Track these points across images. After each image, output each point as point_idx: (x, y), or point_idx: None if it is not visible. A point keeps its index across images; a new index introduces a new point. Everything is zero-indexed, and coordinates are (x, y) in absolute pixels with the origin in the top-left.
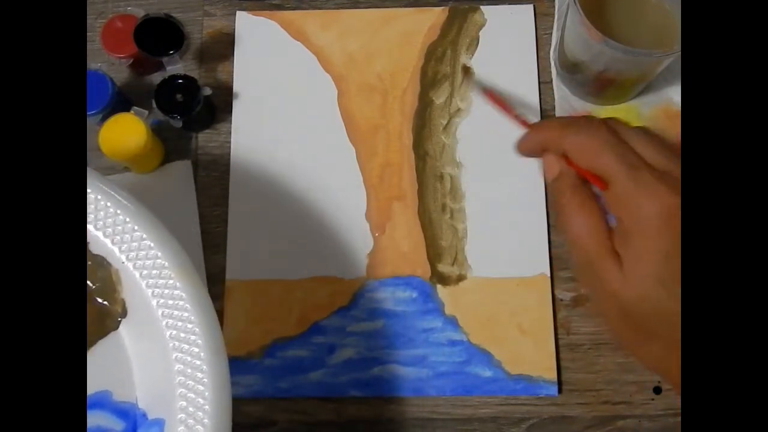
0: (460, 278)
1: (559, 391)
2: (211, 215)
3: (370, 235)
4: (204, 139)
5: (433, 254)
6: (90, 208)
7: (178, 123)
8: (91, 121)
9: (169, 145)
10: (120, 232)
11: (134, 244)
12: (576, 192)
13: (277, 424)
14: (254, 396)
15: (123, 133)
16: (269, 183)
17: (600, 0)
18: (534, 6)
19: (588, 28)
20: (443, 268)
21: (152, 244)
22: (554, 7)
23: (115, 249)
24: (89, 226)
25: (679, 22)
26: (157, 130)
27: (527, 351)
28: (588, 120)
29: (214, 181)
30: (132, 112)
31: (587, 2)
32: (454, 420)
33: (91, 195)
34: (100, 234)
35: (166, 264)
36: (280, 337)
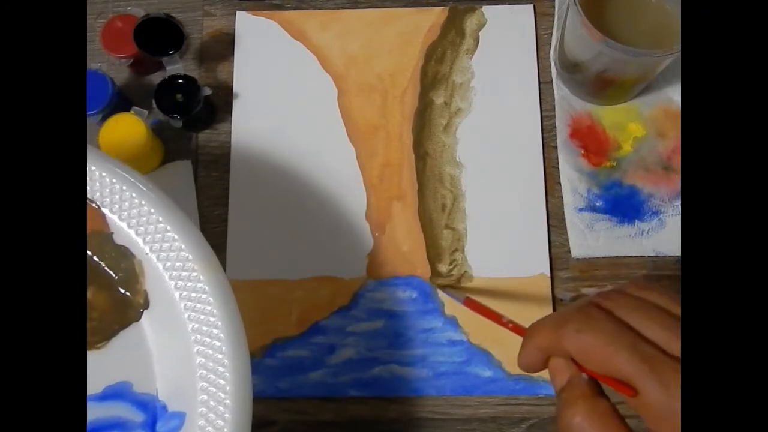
0: (461, 278)
1: None
2: (211, 215)
3: (370, 235)
4: (204, 139)
5: (433, 254)
6: (114, 198)
7: (178, 123)
8: (91, 121)
9: (169, 145)
10: (144, 223)
11: (158, 235)
12: (594, 406)
13: (277, 424)
14: (254, 396)
15: (123, 133)
16: (269, 183)
17: (600, 0)
18: (534, 6)
19: (588, 28)
20: (443, 268)
21: (176, 236)
22: (554, 7)
23: (139, 240)
24: (113, 217)
25: (679, 22)
26: (157, 130)
27: None
28: (580, 310)
29: (214, 181)
30: (132, 112)
31: (587, 2)
32: (454, 420)
33: (116, 185)
34: (124, 225)
35: (190, 256)
36: (280, 337)
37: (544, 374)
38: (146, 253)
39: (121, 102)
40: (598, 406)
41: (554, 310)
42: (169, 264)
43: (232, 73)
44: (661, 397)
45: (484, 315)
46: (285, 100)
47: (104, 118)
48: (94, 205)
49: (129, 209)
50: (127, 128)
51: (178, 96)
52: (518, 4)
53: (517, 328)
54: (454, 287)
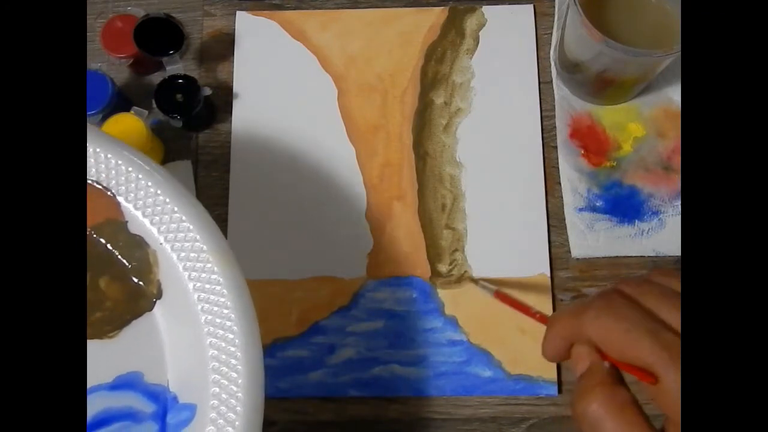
0: (461, 278)
1: (559, 391)
2: (212, 215)
3: (370, 235)
4: (204, 139)
5: (433, 254)
6: (130, 186)
7: (178, 123)
8: (91, 121)
9: (169, 145)
10: (159, 212)
11: (173, 225)
12: (612, 395)
13: (277, 424)
14: None
15: (123, 133)
16: (269, 183)
17: (600, 0)
18: (534, 6)
19: (588, 28)
20: (443, 268)
21: (191, 227)
22: (554, 7)
23: (154, 229)
24: (128, 205)
25: (679, 22)
26: (157, 130)
27: (527, 351)
28: (601, 296)
29: (214, 181)
30: (132, 112)
31: (587, 2)
32: (454, 420)
33: (132, 174)
34: (139, 214)
35: (205, 248)
36: (280, 337)
37: (544, 374)
38: (161, 243)
39: (121, 102)
40: (616, 394)
41: (554, 310)
42: (183, 254)
43: (232, 73)
44: (680, 383)
45: (513, 307)
46: (285, 100)
47: (104, 118)
48: (109, 193)
49: (144, 198)
50: (127, 128)
51: (178, 96)
52: (518, 4)
53: (545, 319)
54: (488, 280)
